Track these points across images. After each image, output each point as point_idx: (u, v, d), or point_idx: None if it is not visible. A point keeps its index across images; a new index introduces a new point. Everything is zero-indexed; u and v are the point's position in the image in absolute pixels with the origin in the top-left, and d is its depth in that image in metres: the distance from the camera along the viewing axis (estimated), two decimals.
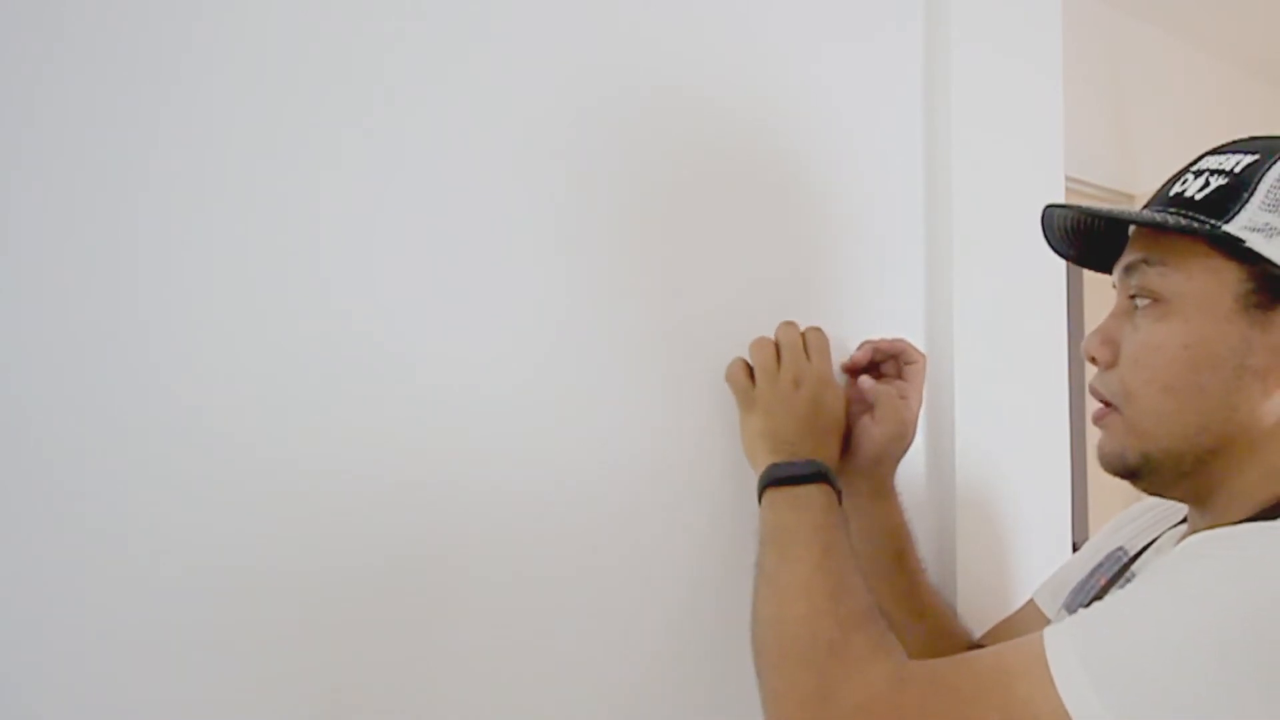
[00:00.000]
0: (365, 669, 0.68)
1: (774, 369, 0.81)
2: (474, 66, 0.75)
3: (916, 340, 0.99)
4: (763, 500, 0.77)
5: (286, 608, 0.65)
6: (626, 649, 0.80)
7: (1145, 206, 0.68)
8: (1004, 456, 1.01)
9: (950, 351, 0.98)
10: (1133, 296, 0.66)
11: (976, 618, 0.92)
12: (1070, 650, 0.53)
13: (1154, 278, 0.64)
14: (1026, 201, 1.06)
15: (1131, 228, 0.69)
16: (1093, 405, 0.70)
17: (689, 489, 0.84)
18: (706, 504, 0.85)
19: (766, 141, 0.91)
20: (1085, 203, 0.74)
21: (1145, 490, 0.68)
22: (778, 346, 0.83)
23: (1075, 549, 1.11)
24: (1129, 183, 2.07)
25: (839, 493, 0.77)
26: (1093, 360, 0.69)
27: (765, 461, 0.78)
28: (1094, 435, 0.70)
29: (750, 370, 0.83)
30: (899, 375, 0.90)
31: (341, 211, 0.69)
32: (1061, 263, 1.08)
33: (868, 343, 0.91)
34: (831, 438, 0.82)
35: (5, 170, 0.58)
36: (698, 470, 0.85)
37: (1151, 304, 0.65)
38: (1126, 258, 0.68)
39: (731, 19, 0.89)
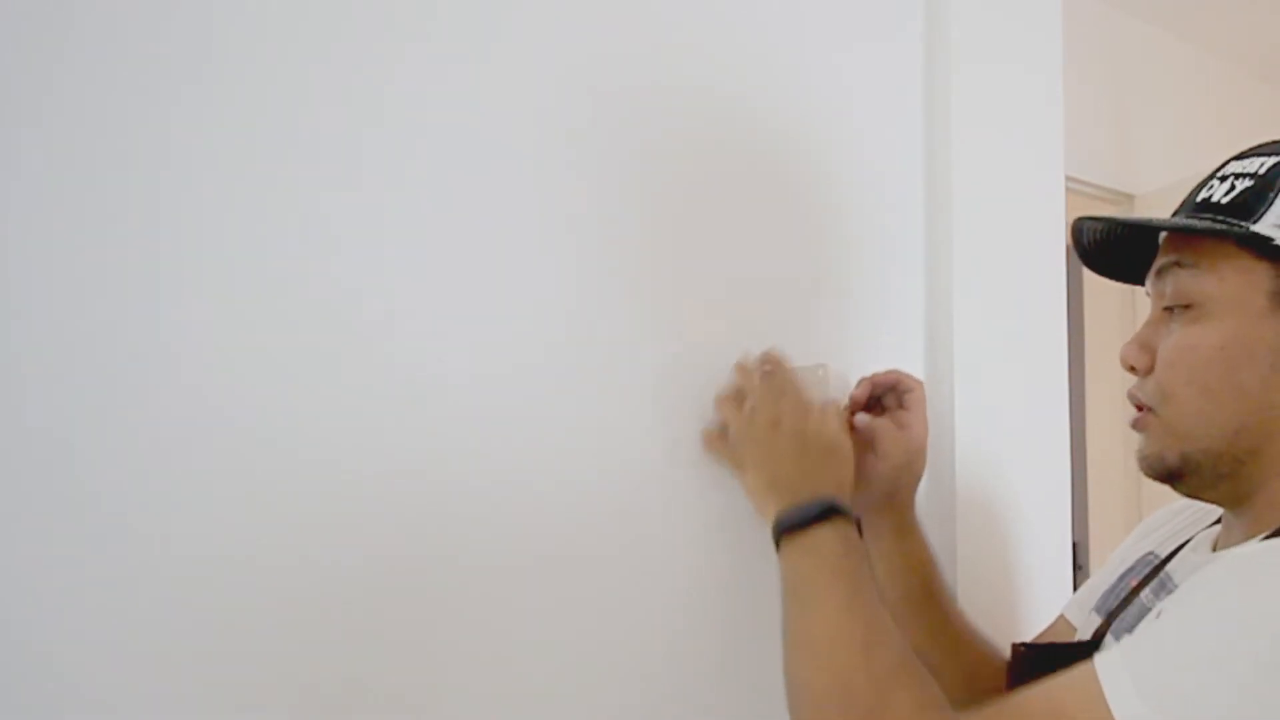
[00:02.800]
0: (371, 668, 0.68)
1: (746, 420, 0.78)
2: (484, 70, 0.75)
3: (917, 341, 0.99)
4: (780, 552, 0.73)
5: (294, 606, 0.65)
6: (631, 649, 0.80)
7: (1174, 214, 0.68)
8: (1004, 456, 1.01)
9: (950, 351, 0.98)
10: (1168, 308, 0.66)
11: (977, 618, 0.92)
12: (1128, 684, 0.52)
13: (1186, 280, 0.64)
14: (1027, 202, 1.06)
15: (1162, 236, 0.69)
16: (1129, 412, 0.69)
17: (695, 489, 0.84)
18: (712, 504, 0.85)
19: (765, 143, 0.91)
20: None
21: (1185, 493, 0.67)
22: (741, 395, 0.80)
23: (1075, 549, 1.11)
24: (1129, 183, 2.07)
25: (857, 520, 0.73)
26: (1131, 369, 0.68)
27: (771, 513, 0.74)
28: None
29: (723, 433, 0.81)
30: (900, 405, 0.87)
31: (352, 211, 0.69)
32: (1062, 264, 1.08)
33: (864, 380, 0.89)
34: (830, 463, 0.76)
35: (28, 172, 0.58)
36: (703, 470, 0.84)
37: (1185, 309, 0.64)
38: (1158, 263, 0.68)
39: (730, 20, 0.89)
